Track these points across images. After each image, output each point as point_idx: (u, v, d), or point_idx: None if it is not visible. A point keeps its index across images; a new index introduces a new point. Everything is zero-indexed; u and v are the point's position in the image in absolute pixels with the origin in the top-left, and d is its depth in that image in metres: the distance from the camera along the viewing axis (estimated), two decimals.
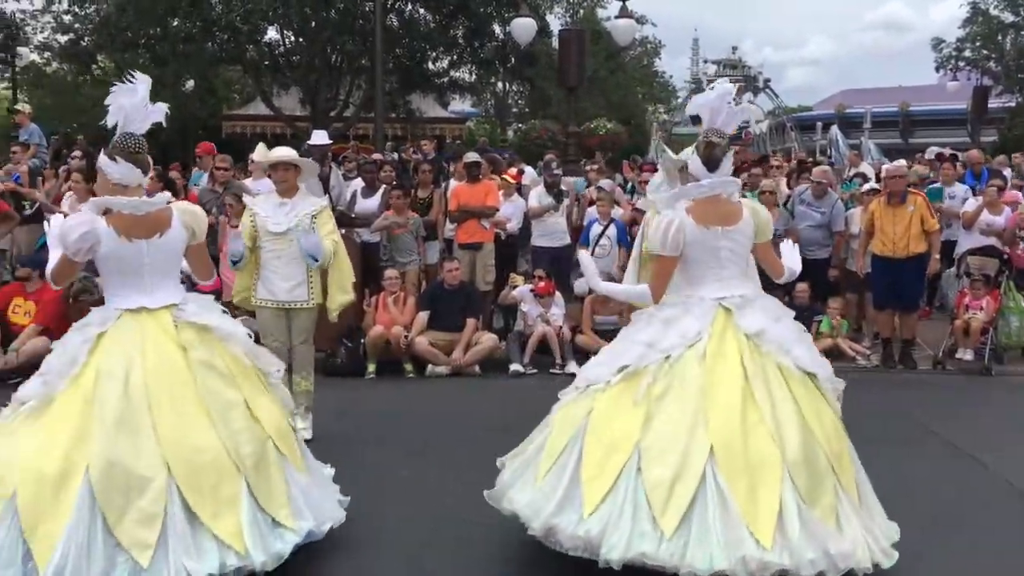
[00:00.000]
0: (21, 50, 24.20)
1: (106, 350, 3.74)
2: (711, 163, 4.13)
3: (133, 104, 3.97)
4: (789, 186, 10.84)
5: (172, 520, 3.47)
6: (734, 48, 64.98)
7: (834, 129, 28.83)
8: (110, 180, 3.91)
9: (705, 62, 68.84)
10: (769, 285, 4.54)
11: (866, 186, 10.09)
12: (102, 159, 3.93)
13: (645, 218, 6.01)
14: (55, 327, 8.46)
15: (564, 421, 4.00)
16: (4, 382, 8.11)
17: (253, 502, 3.67)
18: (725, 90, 4.31)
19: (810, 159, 17.28)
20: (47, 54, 25.30)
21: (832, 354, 8.90)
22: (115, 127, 3.97)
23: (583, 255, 4.73)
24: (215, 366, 3.84)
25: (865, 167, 12.45)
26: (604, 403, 3.90)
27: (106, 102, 4.00)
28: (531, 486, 3.90)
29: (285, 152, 6.23)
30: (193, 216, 4.10)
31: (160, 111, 4.08)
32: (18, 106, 14.71)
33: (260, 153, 6.51)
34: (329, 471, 4.47)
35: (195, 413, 3.69)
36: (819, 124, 44.49)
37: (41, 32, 24.27)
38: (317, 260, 5.86)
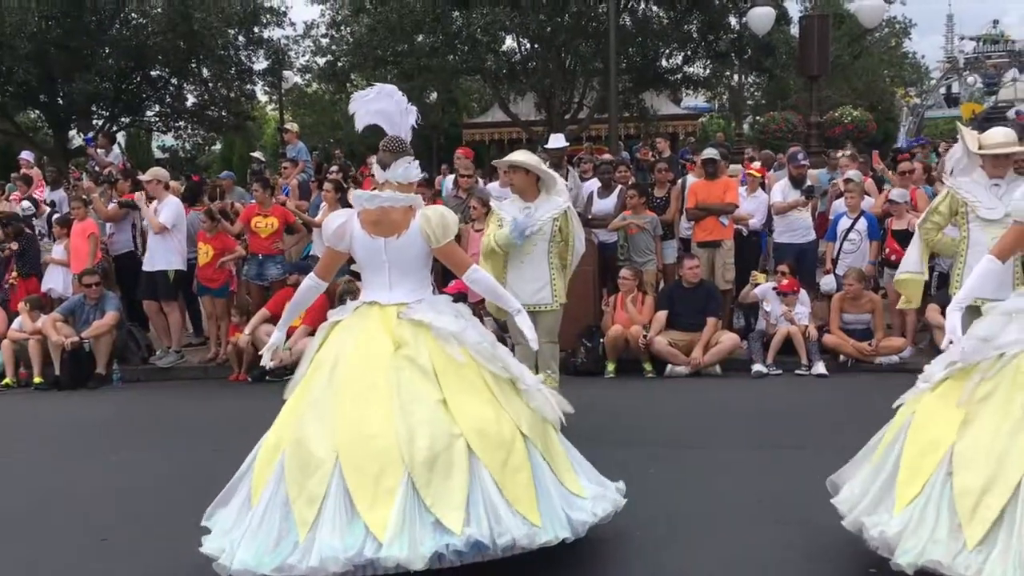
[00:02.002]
0: (286, 74, 26.40)
1: (331, 339, 4.09)
2: None
3: (395, 105, 4.26)
4: None
5: (331, 502, 3.59)
6: (995, 22, 59.38)
7: None
8: (378, 179, 4.22)
9: (961, 39, 63.46)
10: None
11: None
12: (374, 160, 4.26)
13: (935, 201, 5.86)
14: None
15: (896, 420, 3.97)
16: (280, 378, 8.97)
17: (414, 497, 3.57)
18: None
19: None
20: (307, 76, 27.46)
21: None
22: (371, 131, 4.29)
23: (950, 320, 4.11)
24: (418, 362, 3.88)
25: None
26: (928, 402, 3.83)
27: (352, 109, 4.30)
28: (855, 479, 3.96)
29: (513, 156, 6.40)
30: (430, 222, 4.09)
31: (415, 112, 4.40)
32: (287, 125, 16.09)
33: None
34: (616, 487, 4.30)
35: (381, 403, 3.75)
36: None
37: (302, 56, 26.41)
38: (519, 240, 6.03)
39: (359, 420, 3.74)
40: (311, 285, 4.36)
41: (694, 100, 33.20)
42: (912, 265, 5.98)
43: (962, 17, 77.47)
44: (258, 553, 3.63)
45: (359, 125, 4.34)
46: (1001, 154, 5.51)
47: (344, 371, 3.90)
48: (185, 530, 4.71)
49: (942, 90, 56.24)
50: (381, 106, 4.25)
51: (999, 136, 5.63)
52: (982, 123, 42.43)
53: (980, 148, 5.54)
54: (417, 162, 4.24)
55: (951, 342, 3.89)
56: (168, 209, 9.37)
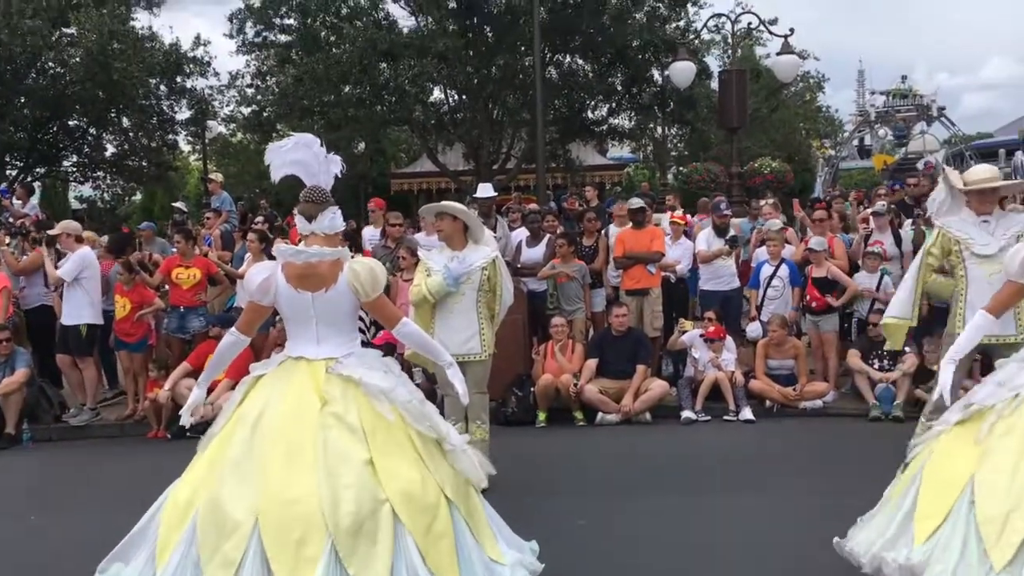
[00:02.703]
0: (210, 123, 26.14)
1: (254, 394, 3.93)
2: None
3: (313, 156, 4.16)
4: None
5: (247, 568, 3.42)
6: (903, 77, 62.11)
7: (1019, 155, 27.04)
8: (299, 232, 4.11)
9: (872, 93, 66.16)
10: None
11: None
12: (297, 212, 4.12)
13: (927, 242, 6.00)
14: None
15: (911, 465, 4.04)
16: (201, 434, 8.69)
17: (336, 566, 3.42)
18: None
19: None
20: (232, 126, 27.21)
21: None
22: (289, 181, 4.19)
23: (943, 374, 4.38)
24: (346, 421, 3.73)
25: None
26: (945, 442, 3.93)
27: (268, 159, 4.19)
28: (869, 524, 4.02)
29: (444, 203, 6.43)
30: (358, 276, 3.97)
31: (337, 162, 4.26)
32: (211, 175, 15.85)
33: (425, 208, 6.81)
34: (531, 547, 4.20)
35: (305, 464, 3.59)
36: (1002, 151, 41.82)
37: (227, 106, 26.18)
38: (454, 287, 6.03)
39: (282, 482, 3.56)
40: (233, 340, 4.18)
41: (619, 151, 33.86)
42: (898, 310, 6.07)
43: (872, 72, 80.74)
44: None
45: (275, 176, 4.22)
46: (987, 188, 5.66)
47: (268, 428, 3.74)
48: None
49: (855, 142, 58.46)
50: (298, 156, 4.14)
51: (982, 172, 5.82)
52: (893, 173, 44.17)
53: (965, 185, 5.69)
54: (340, 212, 4.15)
55: (941, 396, 4.08)
56: (72, 262, 9.07)
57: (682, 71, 16.23)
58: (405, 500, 3.61)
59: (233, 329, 4.22)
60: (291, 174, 4.19)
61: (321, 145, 4.20)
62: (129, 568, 3.78)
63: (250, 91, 23.81)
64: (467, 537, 3.78)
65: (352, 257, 4.11)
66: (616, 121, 25.10)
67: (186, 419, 4.27)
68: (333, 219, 4.07)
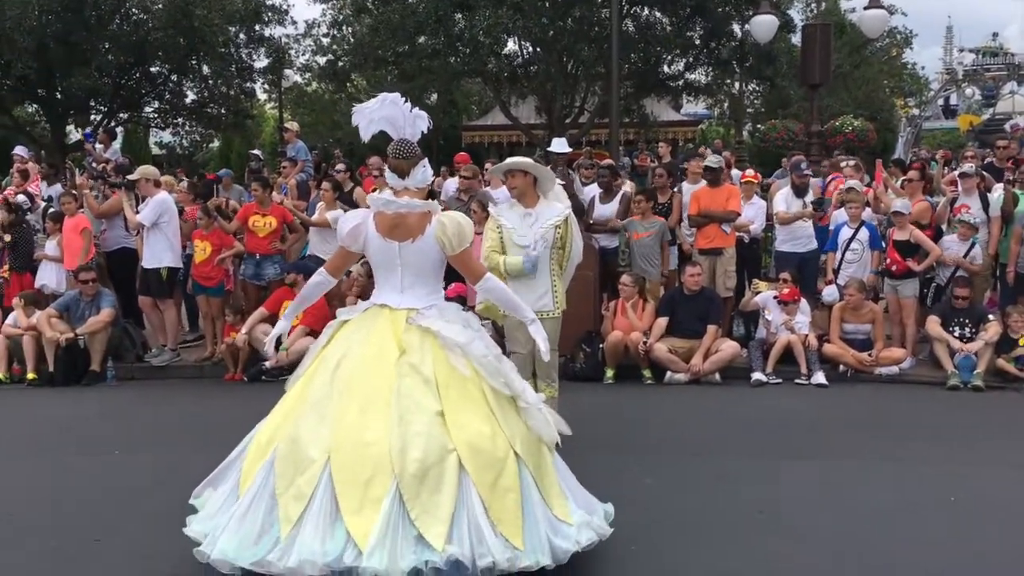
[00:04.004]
0: (286, 72, 26.36)
1: (338, 338, 4.10)
2: None
3: (400, 112, 4.21)
4: None
5: (317, 503, 3.59)
6: (994, 34, 59.65)
7: None
8: (388, 184, 4.19)
9: (960, 50, 63.68)
10: None
11: None
12: (388, 168, 4.22)
13: None
14: (320, 327, 9.16)
15: None
16: (276, 378, 8.91)
17: (400, 508, 3.55)
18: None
19: None
20: (308, 75, 27.40)
21: None
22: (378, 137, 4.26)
23: None
24: (421, 371, 3.85)
25: None
26: None
27: (355, 120, 4.25)
28: None
29: (514, 160, 6.23)
30: (446, 230, 4.05)
31: (424, 117, 4.30)
32: (287, 124, 15.98)
33: (495, 168, 6.69)
34: (605, 510, 4.23)
35: (379, 409, 3.74)
36: None
37: (303, 55, 26.35)
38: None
39: (355, 424, 3.72)
40: (320, 280, 4.37)
41: (695, 107, 33.25)
42: None
43: (962, 29, 77.74)
44: (239, 545, 3.65)
45: (364, 135, 4.27)
46: None
47: (347, 372, 3.90)
48: (181, 531, 4.66)
49: (940, 101, 56.38)
50: (385, 113, 4.22)
51: None
52: (979, 135, 42.56)
53: None
54: (429, 165, 4.23)
55: None
56: (151, 207, 9.28)
57: (763, 24, 15.78)
58: (473, 452, 3.69)
59: (322, 269, 4.39)
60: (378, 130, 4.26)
61: (407, 102, 4.25)
62: (217, 493, 4.09)
63: (326, 40, 23.92)
64: (534, 494, 3.80)
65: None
66: (692, 76, 24.57)
67: (269, 348, 4.53)
68: (424, 172, 4.16)
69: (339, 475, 3.61)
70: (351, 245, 4.22)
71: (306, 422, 3.81)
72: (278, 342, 4.50)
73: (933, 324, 8.42)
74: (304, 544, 3.52)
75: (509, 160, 6.26)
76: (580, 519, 3.94)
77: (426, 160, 4.20)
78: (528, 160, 6.23)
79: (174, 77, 25.34)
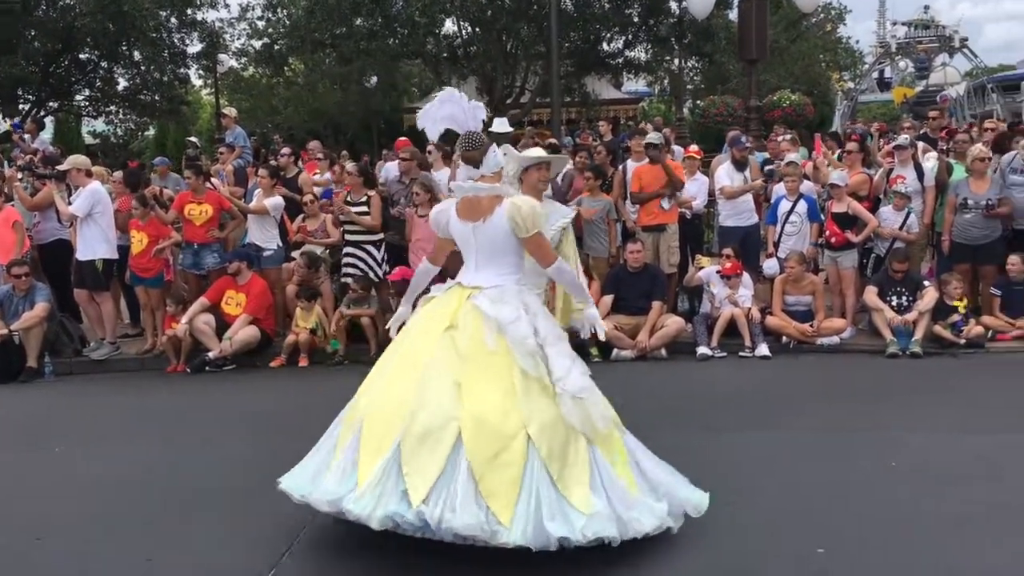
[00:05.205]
0: (221, 57, 25.80)
1: (420, 311, 4.47)
2: None
3: (460, 108, 4.40)
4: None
5: (347, 452, 4.01)
6: (926, 7, 60.77)
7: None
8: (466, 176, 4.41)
9: (894, 24, 64.89)
10: None
11: None
12: (462, 161, 4.42)
13: None
14: (264, 317, 9.05)
15: None
16: (220, 368, 8.79)
17: (396, 461, 3.82)
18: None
19: (1019, 123, 15.89)
20: (244, 59, 26.91)
21: None
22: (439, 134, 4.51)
23: None
24: (458, 344, 4.09)
25: None
26: None
27: (420, 124, 4.50)
28: None
29: (543, 153, 5.81)
30: (519, 211, 4.20)
31: (481, 108, 4.50)
32: (225, 110, 15.68)
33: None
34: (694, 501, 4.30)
35: (411, 374, 4.06)
36: None
37: (238, 39, 25.85)
38: None
39: (388, 385, 4.13)
40: (424, 268, 4.76)
41: (635, 84, 33.35)
42: None
43: (895, 3, 79.00)
44: (299, 481, 4.13)
45: (432, 135, 4.55)
46: None
47: (407, 340, 4.32)
48: (127, 527, 4.58)
49: (875, 75, 57.47)
50: (446, 111, 4.42)
51: None
52: (913, 107, 43.43)
53: None
54: (497, 148, 4.43)
55: None
56: (83, 197, 9.06)
57: (700, 1, 15.86)
58: (476, 424, 3.85)
59: (424, 258, 4.85)
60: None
61: (463, 96, 4.46)
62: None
63: (261, 23, 23.54)
64: (540, 475, 3.81)
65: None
66: (632, 54, 24.70)
67: (393, 331, 4.67)
68: (495, 157, 4.36)
69: (366, 430, 3.99)
70: (438, 231, 4.55)
71: (369, 382, 4.29)
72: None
73: (871, 294, 8.60)
74: (326, 485, 3.95)
75: (537, 153, 5.76)
76: (600, 509, 3.87)
77: (495, 145, 4.41)
78: (550, 155, 5.83)
79: (104, 64, 24.71)
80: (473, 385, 3.94)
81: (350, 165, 9.63)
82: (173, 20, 23.94)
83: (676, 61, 27.32)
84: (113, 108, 26.17)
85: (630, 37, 23.54)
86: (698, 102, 26.21)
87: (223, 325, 8.89)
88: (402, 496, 3.73)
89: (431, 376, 4.00)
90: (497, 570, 3.81)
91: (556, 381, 4.05)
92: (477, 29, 22.47)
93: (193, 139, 15.15)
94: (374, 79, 26.19)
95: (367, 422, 4.01)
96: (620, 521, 3.88)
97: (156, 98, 25.14)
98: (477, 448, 3.78)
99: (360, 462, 3.91)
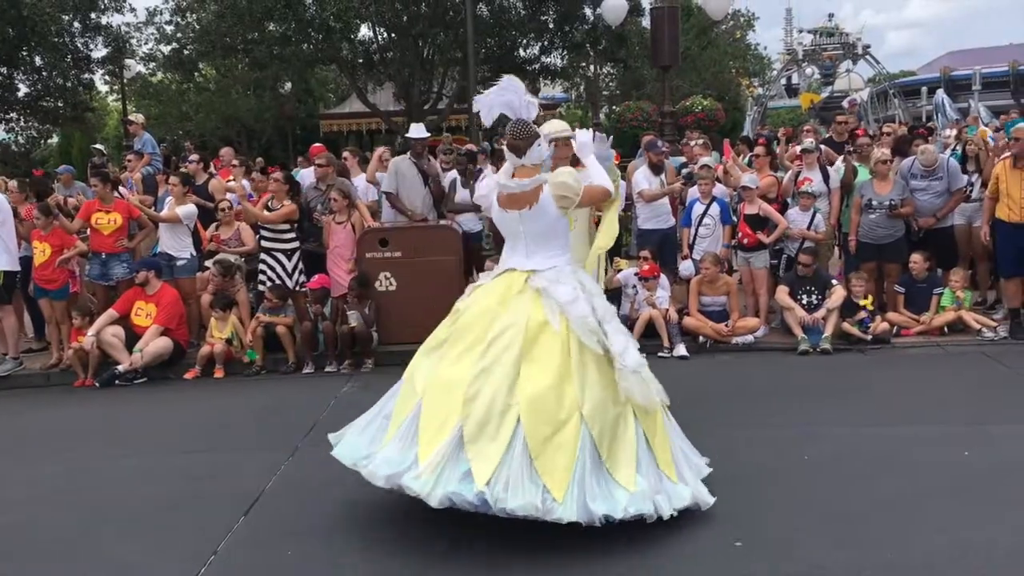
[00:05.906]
0: (128, 62, 25.08)
1: (471, 297, 4.56)
2: None
3: (518, 97, 4.48)
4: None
5: (404, 428, 4.16)
6: (830, 15, 62.75)
7: (940, 93, 27.59)
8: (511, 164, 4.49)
9: (800, 31, 66.79)
10: None
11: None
12: (506, 147, 4.47)
13: None
14: (176, 327, 8.80)
15: None
16: (131, 382, 8.51)
17: (459, 444, 3.95)
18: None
19: (919, 127, 16.51)
20: (152, 64, 26.21)
21: (957, 327, 8.59)
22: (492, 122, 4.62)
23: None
24: (517, 325, 4.20)
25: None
26: None
27: (476, 107, 4.57)
28: None
29: (564, 125, 5.61)
30: (567, 188, 4.35)
31: (535, 104, 4.57)
32: (131, 116, 15.22)
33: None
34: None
35: (470, 356, 4.17)
36: (924, 89, 42.72)
37: (145, 44, 25.19)
38: None
39: (448, 366, 4.22)
40: None
41: (552, 90, 33.63)
42: None
43: (800, 11, 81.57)
44: (352, 449, 4.31)
45: (487, 120, 4.58)
46: None
47: (463, 321, 4.38)
48: (50, 550, 4.40)
49: (783, 81, 59.05)
50: (505, 98, 4.48)
51: None
52: (820, 112, 44.73)
53: None
54: (544, 140, 4.49)
55: None
56: None
57: (613, 8, 16.10)
58: (532, 407, 4.02)
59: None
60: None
61: (523, 87, 4.54)
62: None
63: (169, 28, 22.97)
64: (591, 454, 4.03)
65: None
66: (548, 60, 24.89)
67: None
68: (539, 150, 4.44)
69: (426, 408, 4.11)
70: (486, 207, 4.74)
71: (426, 360, 4.37)
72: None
73: (782, 293, 8.81)
74: (382, 458, 4.08)
75: (557, 127, 5.47)
76: (645, 488, 4.08)
77: (541, 138, 4.47)
78: (571, 130, 5.48)
79: (4, 70, 23.74)
80: (532, 365, 4.10)
81: (279, 173, 9.42)
82: (76, 24, 23.19)
83: (592, 67, 27.67)
84: (14, 115, 25.20)
85: (546, 43, 23.72)
86: (614, 107, 26.57)
87: (133, 338, 8.62)
88: (463, 477, 3.88)
89: (492, 360, 4.11)
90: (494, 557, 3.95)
91: (616, 356, 4.22)
92: (393, 35, 22.35)
93: (99, 147, 14.66)
94: (288, 85, 25.83)
95: (427, 402, 4.13)
96: (657, 499, 4.11)
97: (59, 104, 24.32)
98: (534, 429, 3.96)
99: (420, 440, 4.04)
